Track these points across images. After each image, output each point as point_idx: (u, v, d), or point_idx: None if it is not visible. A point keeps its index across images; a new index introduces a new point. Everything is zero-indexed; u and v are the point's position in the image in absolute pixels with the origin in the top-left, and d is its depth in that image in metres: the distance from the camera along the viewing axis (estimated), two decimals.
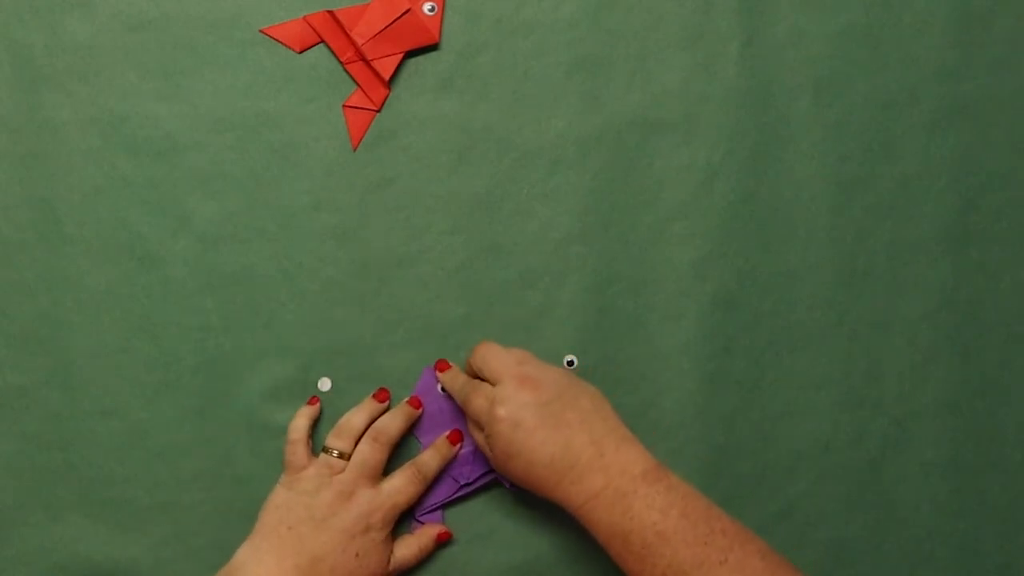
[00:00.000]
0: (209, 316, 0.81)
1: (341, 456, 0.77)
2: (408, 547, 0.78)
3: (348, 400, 0.81)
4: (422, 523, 0.80)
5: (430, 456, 0.79)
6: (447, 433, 0.80)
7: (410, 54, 0.83)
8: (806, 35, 0.85)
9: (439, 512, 0.81)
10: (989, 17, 0.86)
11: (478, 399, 0.75)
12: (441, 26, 0.83)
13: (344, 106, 0.82)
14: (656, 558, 0.67)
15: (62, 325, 0.81)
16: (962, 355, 0.85)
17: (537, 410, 0.72)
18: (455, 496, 0.81)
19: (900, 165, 0.86)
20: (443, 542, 0.80)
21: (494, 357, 0.76)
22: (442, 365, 0.81)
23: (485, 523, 0.82)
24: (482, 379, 0.77)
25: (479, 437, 0.77)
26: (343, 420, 0.79)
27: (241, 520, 0.79)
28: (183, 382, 0.81)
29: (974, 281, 0.85)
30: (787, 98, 0.85)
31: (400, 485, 0.77)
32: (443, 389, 0.81)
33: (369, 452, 0.77)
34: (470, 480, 0.80)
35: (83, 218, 0.81)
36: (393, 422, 0.78)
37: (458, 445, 0.80)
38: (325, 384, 0.82)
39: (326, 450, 0.77)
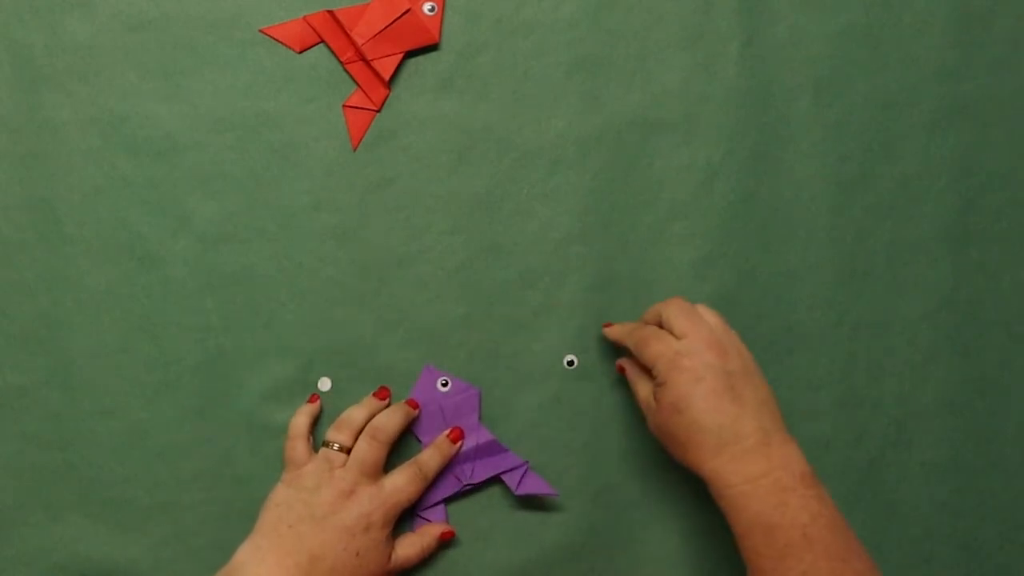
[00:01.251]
0: (209, 316, 0.81)
1: (341, 449, 0.77)
2: (411, 546, 0.78)
3: (348, 400, 0.81)
4: (425, 520, 0.80)
5: (431, 455, 0.79)
6: (448, 431, 0.80)
7: (410, 54, 0.83)
8: (806, 35, 0.85)
9: (442, 508, 0.81)
10: (989, 17, 0.86)
11: (659, 345, 0.73)
12: (441, 26, 0.83)
13: (344, 106, 0.82)
14: (795, 560, 0.65)
15: (62, 325, 0.81)
16: (962, 355, 0.85)
17: (721, 375, 0.70)
18: (457, 493, 0.81)
19: (900, 165, 0.86)
20: (446, 541, 0.80)
21: (689, 315, 0.74)
22: (607, 325, 0.81)
23: (485, 522, 0.82)
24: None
25: (642, 388, 0.75)
26: (344, 415, 0.79)
27: (241, 520, 0.79)
28: (183, 382, 0.81)
29: (974, 281, 0.85)
30: (787, 98, 0.85)
31: (401, 483, 0.77)
32: (442, 383, 0.81)
33: (367, 449, 0.77)
34: (473, 479, 0.80)
35: (83, 218, 0.81)
36: (391, 420, 0.78)
37: (459, 443, 0.80)
38: (325, 384, 0.82)
39: (327, 444, 0.77)
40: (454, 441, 0.80)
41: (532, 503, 0.82)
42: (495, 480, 0.81)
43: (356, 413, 0.79)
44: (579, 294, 0.83)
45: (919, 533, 0.84)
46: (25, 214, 0.81)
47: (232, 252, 0.82)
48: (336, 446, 0.77)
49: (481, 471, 0.80)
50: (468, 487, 0.81)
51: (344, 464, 0.76)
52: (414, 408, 0.80)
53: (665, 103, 0.84)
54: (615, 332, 0.80)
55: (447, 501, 0.81)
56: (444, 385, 0.81)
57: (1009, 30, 0.86)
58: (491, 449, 0.80)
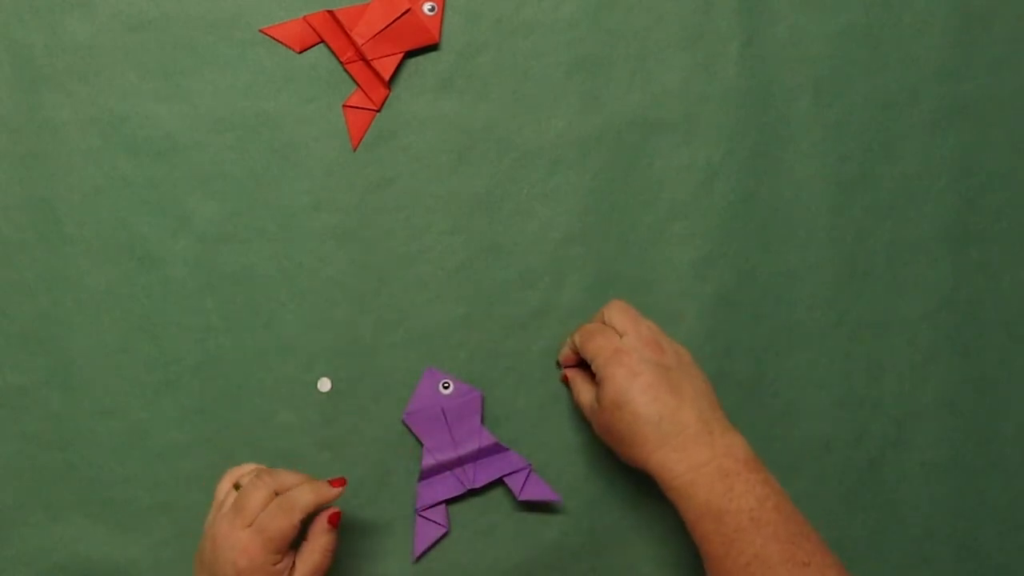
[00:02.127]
0: (209, 316, 0.81)
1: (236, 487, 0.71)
2: (310, 555, 0.70)
3: (348, 400, 0.81)
4: (426, 519, 0.80)
5: (301, 492, 0.70)
6: (328, 513, 0.71)
7: (410, 54, 0.83)
8: (806, 35, 0.85)
9: (443, 509, 0.81)
10: (989, 17, 0.86)
11: (601, 339, 0.74)
12: (441, 26, 0.83)
13: (344, 106, 0.82)
14: (745, 544, 0.66)
15: (62, 325, 0.81)
16: (962, 355, 0.85)
17: (657, 369, 0.71)
18: (459, 495, 0.81)
19: (900, 165, 0.86)
20: (335, 524, 0.71)
21: (627, 314, 0.75)
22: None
23: (486, 522, 0.82)
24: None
25: (586, 393, 0.76)
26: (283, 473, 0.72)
27: None
28: (183, 382, 0.81)
29: (974, 281, 0.85)
30: (787, 98, 0.85)
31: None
32: (443, 385, 0.81)
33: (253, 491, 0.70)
34: (475, 483, 0.80)
35: (83, 218, 0.81)
36: (300, 492, 0.70)
37: (338, 489, 0.71)
38: (325, 384, 0.82)
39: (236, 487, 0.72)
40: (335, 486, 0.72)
41: (532, 503, 0.82)
42: (497, 482, 0.81)
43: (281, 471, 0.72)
44: (579, 294, 0.83)
45: (919, 533, 0.84)
46: (25, 214, 0.81)
47: (232, 252, 0.82)
48: (237, 486, 0.71)
49: (483, 474, 0.80)
50: (470, 490, 0.81)
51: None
52: (336, 487, 0.71)
53: (665, 103, 0.84)
54: (563, 348, 0.80)
55: (448, 502, 0.81)
56: (446, 388, 0.81)
57: (1009, 30, 0.86)
58: (493, 452, 0.80)
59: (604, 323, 0.76)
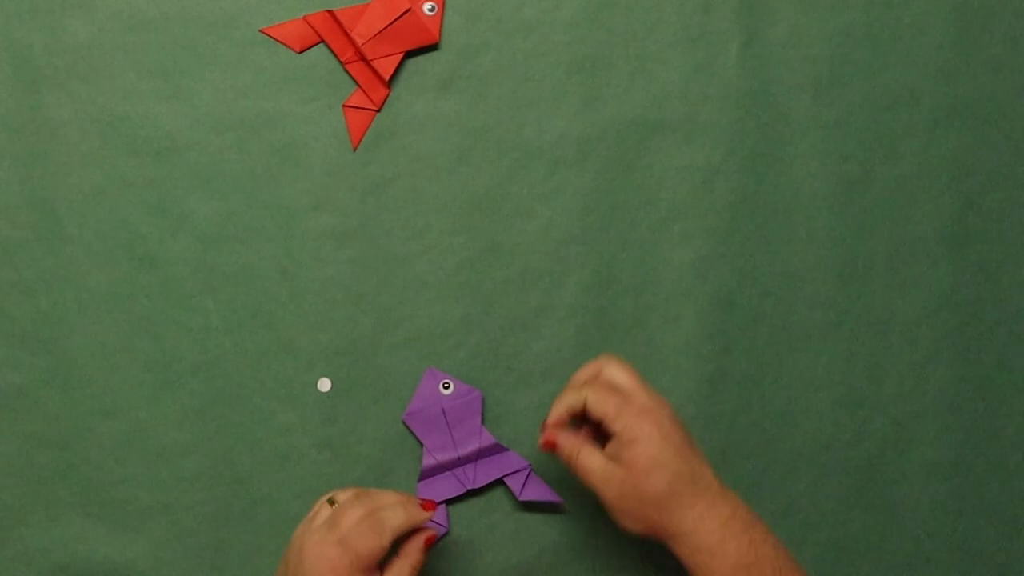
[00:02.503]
0: (209, 316, 0.81)
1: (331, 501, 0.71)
2: (399, 572, 0.70)
3: (348, 400, 0.81)
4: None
5: (394, 513, 0.70)
6: (425, 535, 0.72)
7: (410, 54, 0.83)
8: (806, 35, 0.85)
9: (443, 509, 0.81)
10: (989, 17, 0.86)
11: (617, 398, 0.71)
12: (441, 26, 0.83)
13: (344, 106, 0.82)
14: None
15: (62, 325, 0.81)
16: (962, 355, 0.85)
17: (679, 426, 0.71)
18: (459, 495, 0.81)
19: (900, 165, 0.86)
20: (432, 544, 0.72)
21: (629, 370, 0.73)
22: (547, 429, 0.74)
23: (486, 522, 0.82)
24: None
25: (595, 459, 0.71)
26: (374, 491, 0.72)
27: (241, 520, 0.79)
28: (183, 382, 0.81)
29: (974, 281, 0.85)
30: (787, 98, 0.85)
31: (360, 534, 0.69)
32: (444, 386, 0.81)
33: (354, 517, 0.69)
34: (476, 484, 0.80)
35: (83, 218, 0.81)
36: (394, 512, 0.70)
37: (430, 512, 0.71)
38: (325, 384, 0.82)
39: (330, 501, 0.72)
40: (426, 510, 0.71)
41: (533, 503, 0.82)
42: (497, 482, 0.81)
43: (385, 497, 0.71)
44: (579, 294, 0.83)
45: (919, 533, 0.84)
46: (25, 214, 0.81)
47: (232, 252, 0.82)
48: (333, 501, 0.71)
49: (484, 475, 0.80)
50: (470, 490, 0.81)
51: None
52: (428, 510, 0.71)
53: (665, 103, 0.84)
54: (557, 408, 0.73)
55: (448, 502, 0.81)
56: (446, 388, 0.81)
57: (1008, 30, 0.87)
58: (493, 452, 0.81)
59: (605, 379, 0.73)
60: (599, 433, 0.73)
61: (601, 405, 0.71)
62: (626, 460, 0.69)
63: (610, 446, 0.71)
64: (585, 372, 0.75)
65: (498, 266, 0.83)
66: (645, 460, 0.69)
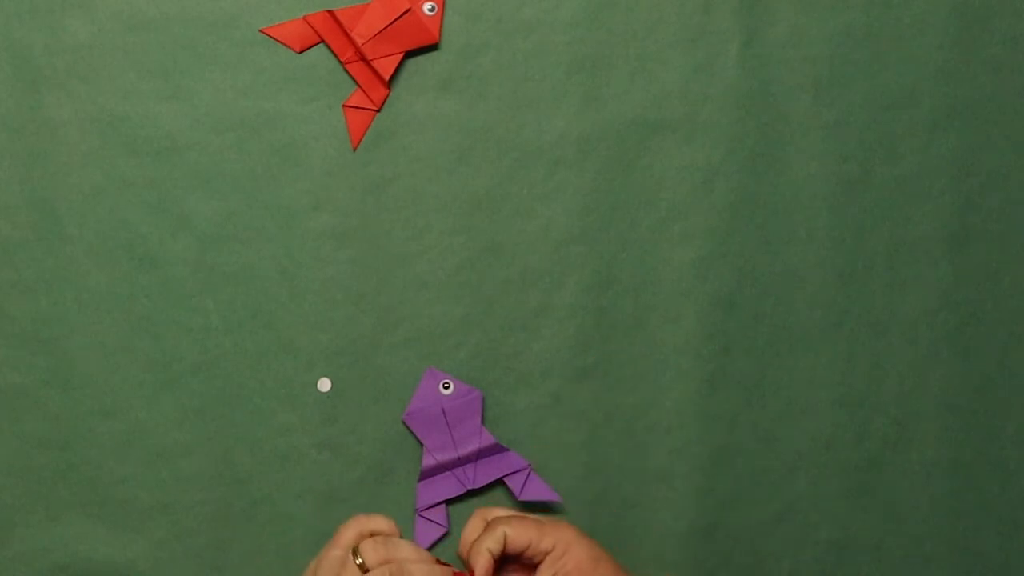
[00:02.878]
0: (209, 316, 0.81)
1: (361, 567, 0.74)
2: None
3: (348, 400, 0.81)
4: (426, 519, 0.80)
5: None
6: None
7: (410, 54, 0.83)
8: (806, 35, 0.85)
9: (443, 509, 0.81)
10: (989, 17, 0.86)
11: (534, 523, 0.75)
12: (441, 26, 0.83)
13: (344, 106, 0.82)
14: None
15: (62, 325, 0.81)
16: (962, 355, 0.85)
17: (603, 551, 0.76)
18: (459, 495, 0.81)
19: (900, 165, 0.86)
20: None
21: (509, 509, 0.79)
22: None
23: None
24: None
25: None
26: (394, 540, 0.76)
27: (241, 520, 0.79)
28: (183, 382, 0.81)
29: (974, 281, 0.85)
30: (787, 98, 0.85)
31: None
32: (444, 386, 0.81)
33: None
34: (476, 484, 0.80)
35: (83, 218, 0.81)
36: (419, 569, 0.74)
37: None
38: (325, 384, 0.82)
39: (355, 551, 0.74)
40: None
41: (533, 503, 0.82)
42: (497, 482, 0.81)
43: (405, 548, 0.75)
44: (579, 294, 0.83)
45: (919, 533, 0.84)
46: (25, 214, 0.81)
47: (232, 252, 0.82)
48: (359, 560, 0.74)
49: (483, 475, 0.80)
50: (470, 490, 0.81)
51: None
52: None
53: (665, 103, 0.84)
54: (481, 558, 0.75)
55: (448, 502, 0.81)
56: (446, 388, 0.81)
57: (1009, 30, 0.86)
58: (493, 452, 0.81)
59: (498, 521, 0.76)
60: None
61: (524, 533, 0.75)
62: (571, 567, 0.74)
63: (543, 569, 0.75)
64: (472, 527, 0.78)
65: (498, 266, 0.83)
66: (588, 559, 0.74)
